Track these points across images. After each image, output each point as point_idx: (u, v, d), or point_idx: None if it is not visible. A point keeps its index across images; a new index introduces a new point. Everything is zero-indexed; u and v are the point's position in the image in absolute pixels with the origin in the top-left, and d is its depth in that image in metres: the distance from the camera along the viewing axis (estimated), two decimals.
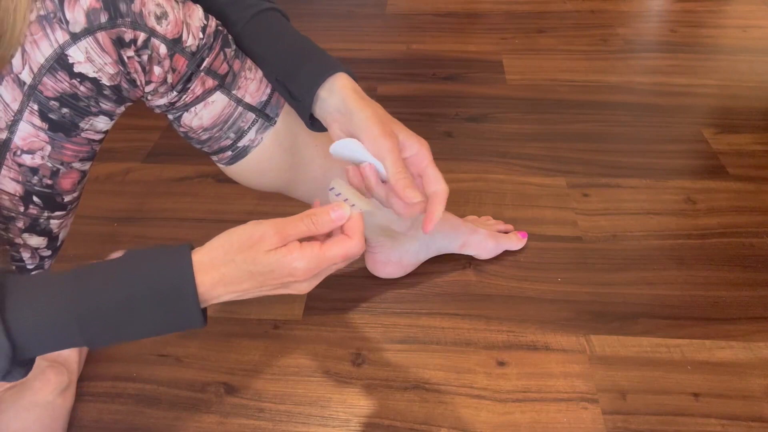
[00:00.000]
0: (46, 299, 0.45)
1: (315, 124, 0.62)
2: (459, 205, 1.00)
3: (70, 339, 0.45)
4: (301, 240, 0.48)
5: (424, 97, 1.31)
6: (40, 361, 0.69)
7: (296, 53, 0.61)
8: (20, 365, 0.46)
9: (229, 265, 0.47)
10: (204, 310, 0.49)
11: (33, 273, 0.63)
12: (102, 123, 0.58)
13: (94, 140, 0.59)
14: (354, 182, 0.57)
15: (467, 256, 0.89)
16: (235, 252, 0.47)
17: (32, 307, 0.44)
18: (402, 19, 1.67)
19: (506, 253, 0.90)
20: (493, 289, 0.85)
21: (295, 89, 0.60)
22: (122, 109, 0.59)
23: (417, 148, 0.56)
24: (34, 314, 0.44)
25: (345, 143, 0.55)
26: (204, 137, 0.64)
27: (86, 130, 0.57)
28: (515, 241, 0.90)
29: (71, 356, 0.73)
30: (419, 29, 1.61)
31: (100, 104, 0.56)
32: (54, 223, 0.63)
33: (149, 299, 0.45)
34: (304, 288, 0.50)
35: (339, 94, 0.57)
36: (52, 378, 0.70)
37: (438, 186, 0.55)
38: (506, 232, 0.92)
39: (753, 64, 1.38)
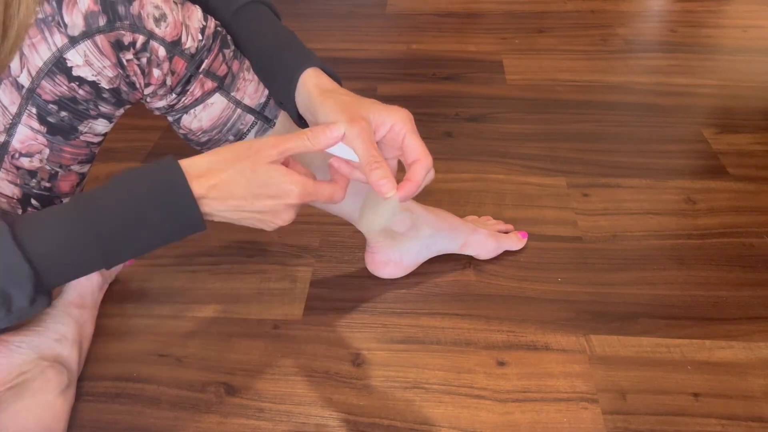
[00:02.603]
0: (56, 220, 0.46)
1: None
2: (459, 205, 1.00)
3: (86, 252, 0.46)
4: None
5: (424, 97, 1.31)
6: (40, 361, 0.69)
7: (272, 54, 0.59)
8: (44, 293, 0.46)
9: (228, 172, 0.48)
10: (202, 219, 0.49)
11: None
12: (101, 126, 0.58)
13: (92, 143, 0.59)
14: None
15: (467, 256, 0.89)
16: (233, 161, 0.48)
17: (44, 228, 0.45)
18: (402, 19, 1.67)
19: (506, 253, 0.90)
20: (493, 289, 0.85)
21: (276, 96, 0.60)
22: (121, 111, 0.59)
23: (391, 122, 0.53)
24: (48, 235, 0.45)
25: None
26: (203, 139, 0.64)
27: (85, 133, 0.57)
28: (515, 241, 0.90)
29: (71, 356, 0.73)
30: (419, 29, 1.61)
31: (99, 107, 0.56)
32: None
33: (149, 200, 0.46)
34: (288, 218, 0.51)
35: (303, 94, 0.56)
36: (52, 378, 0.70)
37: (417, 155, 0.53)
38: (506, 232, 0.92)
39: (753, 64, 1.38)
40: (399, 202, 0.52)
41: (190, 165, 0.47)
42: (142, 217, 0.46)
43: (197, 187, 0.47)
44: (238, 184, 0.48)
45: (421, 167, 0.53)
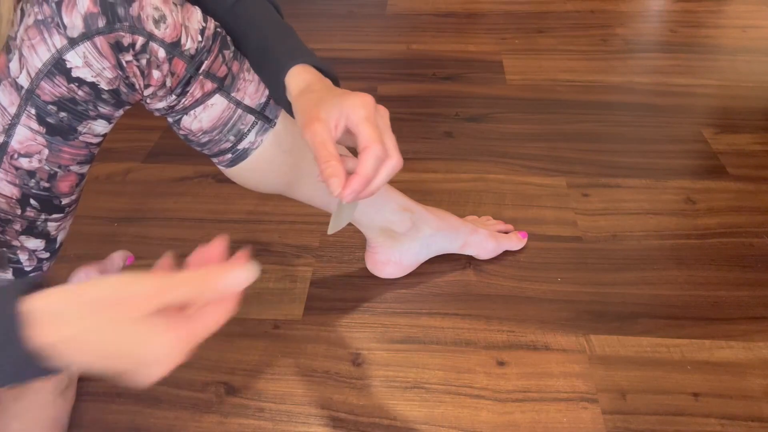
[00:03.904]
0: None
1: None
2: (459, 205, 1.00)
3: None
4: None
5: (424, 97, 1.31)
6: None
7: (262, 53, 0.59)
8: None
9: (83, 323, 0.37)
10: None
11: None
12: (100, 126, 0.58)
13: (92, 143, 0.59)
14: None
15: (467, 256, 0.89)
16: (94, 309, 0.37)
17: None
18: (402, 19, 1.67)
19: (506, 253, 0.90)
20: (493, 289, 0.85)
21: (271, 94, 0.61)
22: (120, 112, 0.59)
23: (347, 112, 0.50)
24: None
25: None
26: (204, 140, 0.64)
27: (84, 133, 0.57)
28: (515, 242, 0.90)
29: None
30: (419, 29, 1.61)
31: (99, 108, 0.56)
32: (52, 226, 0.62)
33: None
34: (169, 365, 0.41)
35: (289, 95, 0.56)
36: (53, 378, 0.70)
37: (365, 142, 0.48)
38: (506, 232, 0.92)
39: (752, 64, 1.38)
40: (348, 201, 0.48)
41: (40, 307, 0.36)
42: None
43: (43, 336, 0.36)
44: (97, 340, 0.37)
45: (368, 156, 0.48)
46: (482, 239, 0.87)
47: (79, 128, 0.56)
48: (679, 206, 0.98)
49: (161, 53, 0.54)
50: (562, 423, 0.69)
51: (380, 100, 1.31)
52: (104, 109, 0.56)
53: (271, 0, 0.63)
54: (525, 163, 1.09)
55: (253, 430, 0.70)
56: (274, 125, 0.65)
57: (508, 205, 1.00)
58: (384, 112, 0.53)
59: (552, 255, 0.90)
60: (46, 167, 0.57)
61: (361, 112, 0.49)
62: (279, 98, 0.59)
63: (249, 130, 0.64)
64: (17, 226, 0.60)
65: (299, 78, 0.56)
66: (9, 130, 0.54)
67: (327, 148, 0.48)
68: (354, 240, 0.93)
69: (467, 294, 0.85)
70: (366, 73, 1.40)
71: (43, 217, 0.61)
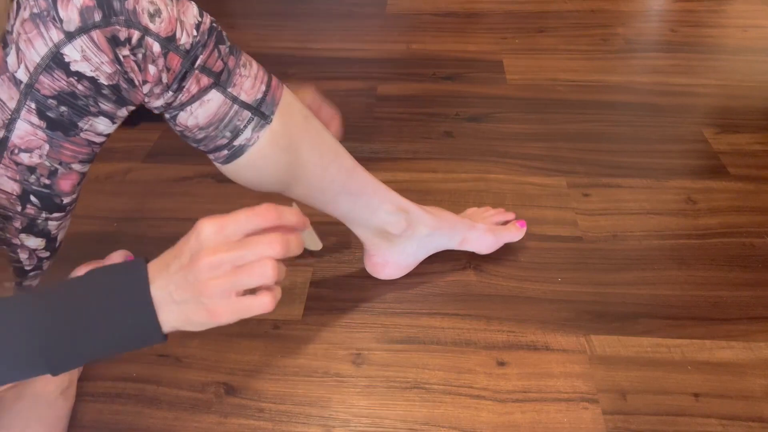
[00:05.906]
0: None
1: None
2: (459, 205, 1.00)
3: (27, 354, 0.45)
4: None
5: (424, 97, 1.30)
6: None
7: None
8: None
9: (171, 265, 0.48)
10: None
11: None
12: (102, 125, 0.58)
13: (94, 142, 0.59)
14: None
15: (467, 254, 0.89)
16: (176, 251, 0.49)
17: None
18: (402, 19, 1.67)
19: (506, 253, 0.90)
20: (493, 289, 0.85)
21: None
22: (124, 111, 0.59)
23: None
24: None
25: None
26: (200, 136, 0.64)
27: (86, 130, 0.57)
28: (514, 232, 0.90)
29: None
30: (419, 29, 1.61)
31: (100, 104, 0.56)
32: (52, 225, 0.62)
33: (104, 308, 0.46)
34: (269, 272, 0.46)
35: None
36: (52, 378, 0.70)
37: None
38: (508, 221, 0.92)
39: (753, 64, 1.37)
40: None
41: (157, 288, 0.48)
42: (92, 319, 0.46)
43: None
44: (174, 272, 0.48)
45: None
46: (480, 234, 0.87)
47: (80, 124, 0.56)
48: (679, 206, 0.98)
49: (156, 47, 0.54)
50: (562, 423, 0.69)
51: (380, 99, 1.32)
52: (105, 106, 0.56)
53: None
54: (525, 163, 1.09)
55: (253, 430, 0.70)
56: (271, 122, 0.65)
57: (508, 205, 0.99)
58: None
59: (552, 255, 0.90)
60: (47, 163, 0.57)
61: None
62: None
63: (245, 126, 0.64)
64: (17, 224, 0.60)
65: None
66: (9, 125, 0.54)
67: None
68: (354, 240, 0.93)
69: (467, 294, 0.85)
70: (366, 72, 1.40)
71: (43, 215, 0.61)
